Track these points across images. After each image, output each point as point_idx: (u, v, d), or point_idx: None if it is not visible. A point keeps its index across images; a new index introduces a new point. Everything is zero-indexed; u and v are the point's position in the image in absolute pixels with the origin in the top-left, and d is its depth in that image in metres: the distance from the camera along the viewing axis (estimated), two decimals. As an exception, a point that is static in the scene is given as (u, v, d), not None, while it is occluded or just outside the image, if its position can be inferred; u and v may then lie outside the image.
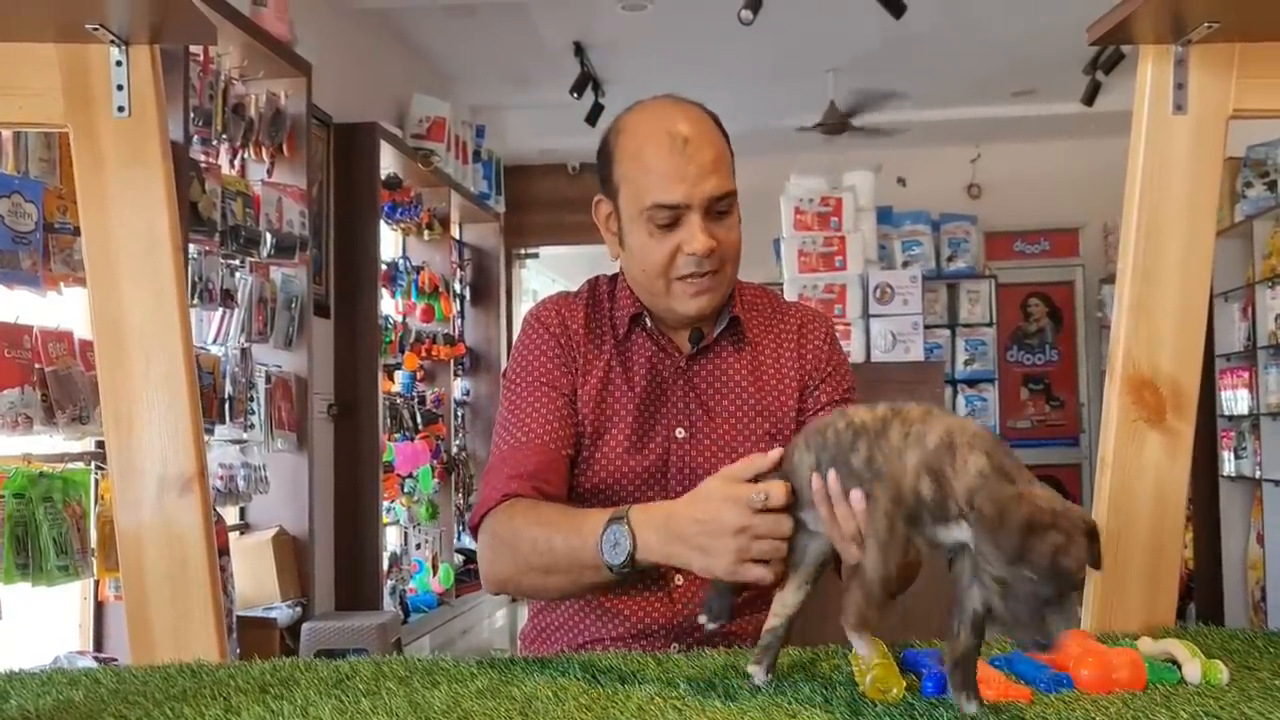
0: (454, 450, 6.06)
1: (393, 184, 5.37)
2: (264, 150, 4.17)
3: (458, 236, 6.56)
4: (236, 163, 4.10)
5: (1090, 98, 6.28)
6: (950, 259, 7.18)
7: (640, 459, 1.69)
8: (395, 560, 5.40)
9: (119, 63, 1.54)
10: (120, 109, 1.55)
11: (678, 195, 1.62)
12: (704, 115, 1.69)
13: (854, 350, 4.34)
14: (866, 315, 4.39)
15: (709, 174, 1.62)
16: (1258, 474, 5.71)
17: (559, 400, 1.70)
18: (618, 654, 1.51)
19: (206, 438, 3.76)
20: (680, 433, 1.70)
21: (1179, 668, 1.33)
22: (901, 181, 7.43)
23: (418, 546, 5.62)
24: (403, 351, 5.50)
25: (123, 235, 1.61)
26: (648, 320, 1.74)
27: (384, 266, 5.23)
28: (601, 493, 1.69)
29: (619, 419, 1.70)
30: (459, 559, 6.00)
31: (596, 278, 1.83)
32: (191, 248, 3.59)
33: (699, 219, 1.62)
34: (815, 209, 4.44)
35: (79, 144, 1.59)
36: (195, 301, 3.63)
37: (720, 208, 1.65)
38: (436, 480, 5.72)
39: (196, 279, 3.63)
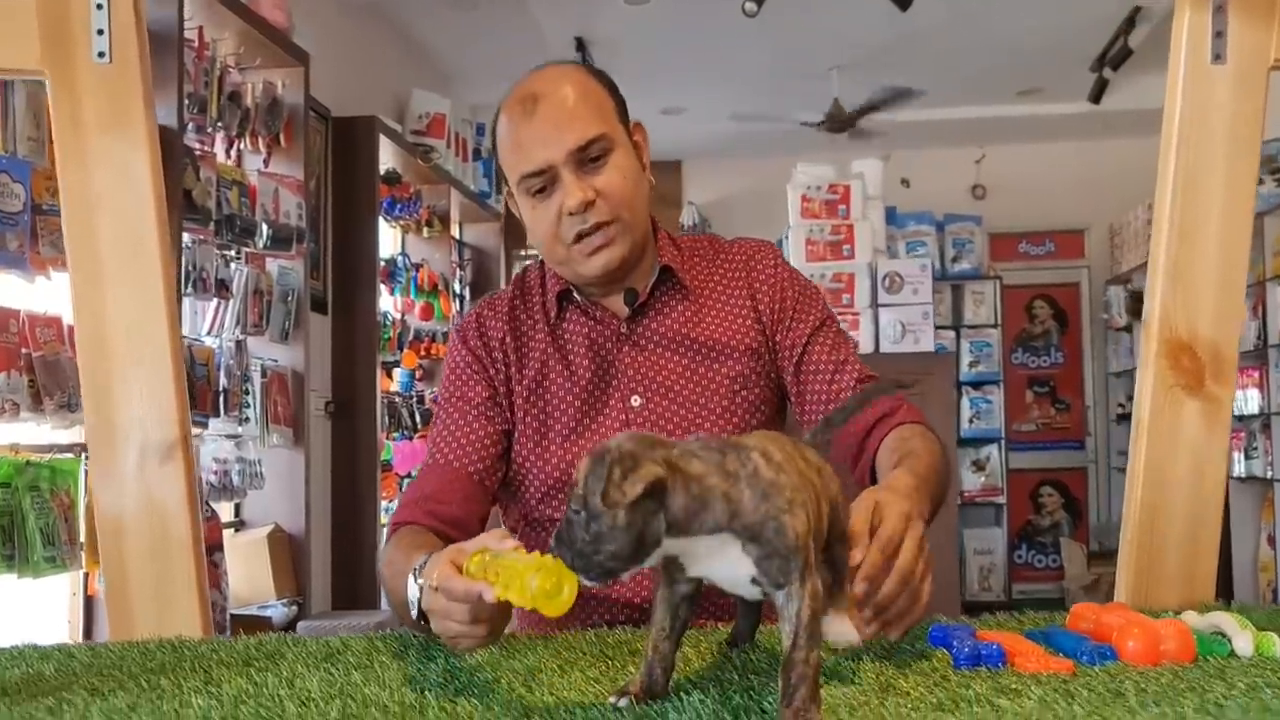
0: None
1: (392, 179, 5.29)
2: (260, 140, 4.09)
3: (458, 236, 6.48)
4: (233, 152, 4.02)
5: (1097, 95, 6.21)
6: (955, 260, 7.09)
7: (593, 438, 1.61)
8: (393, 561, 5.29)
9: (99, 5, 1.46)
10: (100, 54, 1.47)
11: (538, 159, 1.54)
12: (564, 70, 1.60)
13: (862, 341, 4.25)
14: (875, 305, 4.29)
15: (566, 126, 1.53)
16: (1269, 474, 5.62)
17: (470, 415, 1.63)
18: (627, 630, 1.42)
19: (199, 431, 3.69)
20: (636, 400, 1.62)
21: (1229, 640, 1.24)
22: (905, 182, 7.35)
23: (416, 548, 5.52)
24: (401, 349, 5.42)
25: (104, 191, 1.53)
26: (576, 295, 1.66)
27: (383, 263, 5.15)
28: (566, 483, 1.61)
29: (561, 407, 1.63)
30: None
31: (527, 266, 1.76)
32: (186, 236, 3.52)
33: (570, 175, 1.54)
34: (823, 196, 4.35)
35: (57, 95, 1.51)
36: (189, 291, 3.55)
37: (592, 154, 1.55)
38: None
39: (190, 268, 3.55)
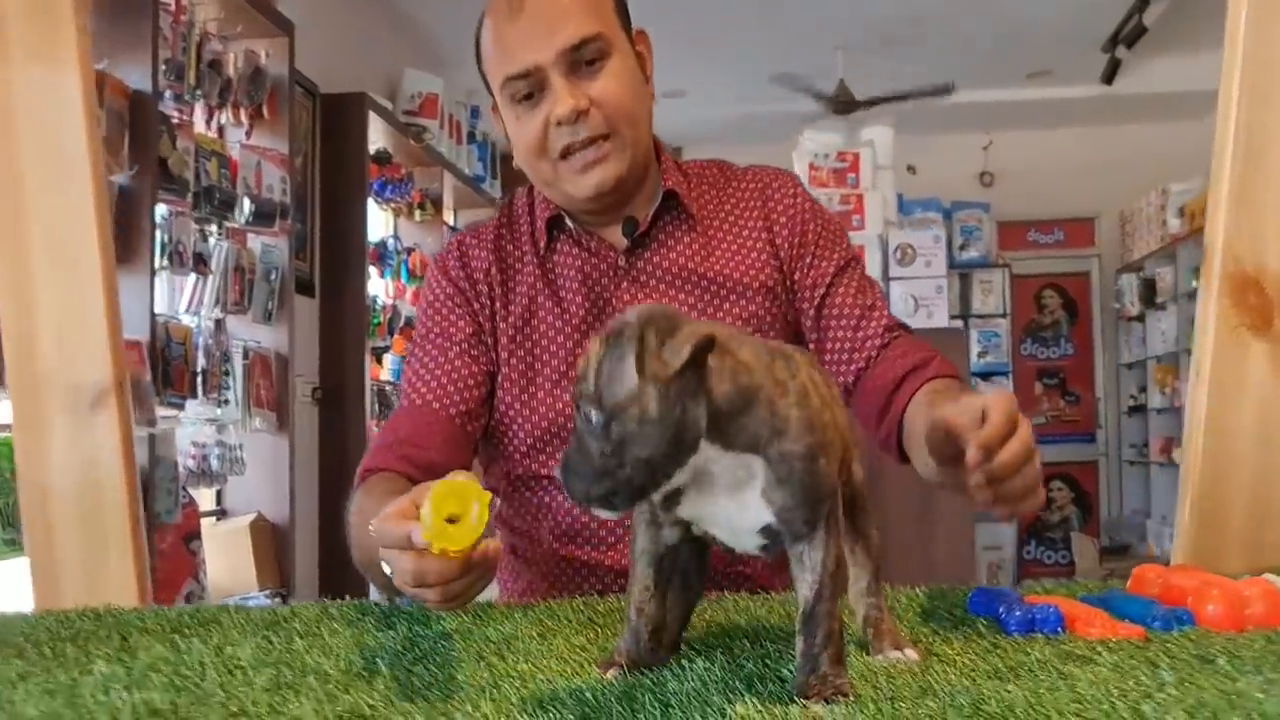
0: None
1: (382, 159, 5.12)
2: (242, 112, 3.91)
3: (451, 221, 6.30)
4: (213, 123, 3.84)
5: (1110, 76, 6.03)
6: (962, 248, 6.90)
7: None
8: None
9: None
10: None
11: (524, 60, 1.35)
12: None
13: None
14: (886, 278, 4.11)
15: (557, 24, 1.35)
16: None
17: (452, 352, 1.44)
18: (618, 597, 1.24)
19: (177, 413, 3.51)
20: None
21: (1320, 603, 1.06)
22: (911, 169, 7.17)
23: (408, 541, 5.34)
24: (392, 335, 5.23)
25: (27, 114, 1.35)
26: (569, 222, 1.47)
27: (373, 246, 4.97)
28: (557, 435, 1.42)
29: (550, 349, 1.44)
30: (452, 556, 5.71)
31: (514, 193, 1.57)
32: (163, 208, 3.34)
33: (560, 79, 1.35)
34: (831, 164, 4.17)
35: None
36: (165, 264, 3.37)
37: (586, 56, 1.36)
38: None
39: (166, 241, 3.37)
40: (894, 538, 3.73)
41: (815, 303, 1.47)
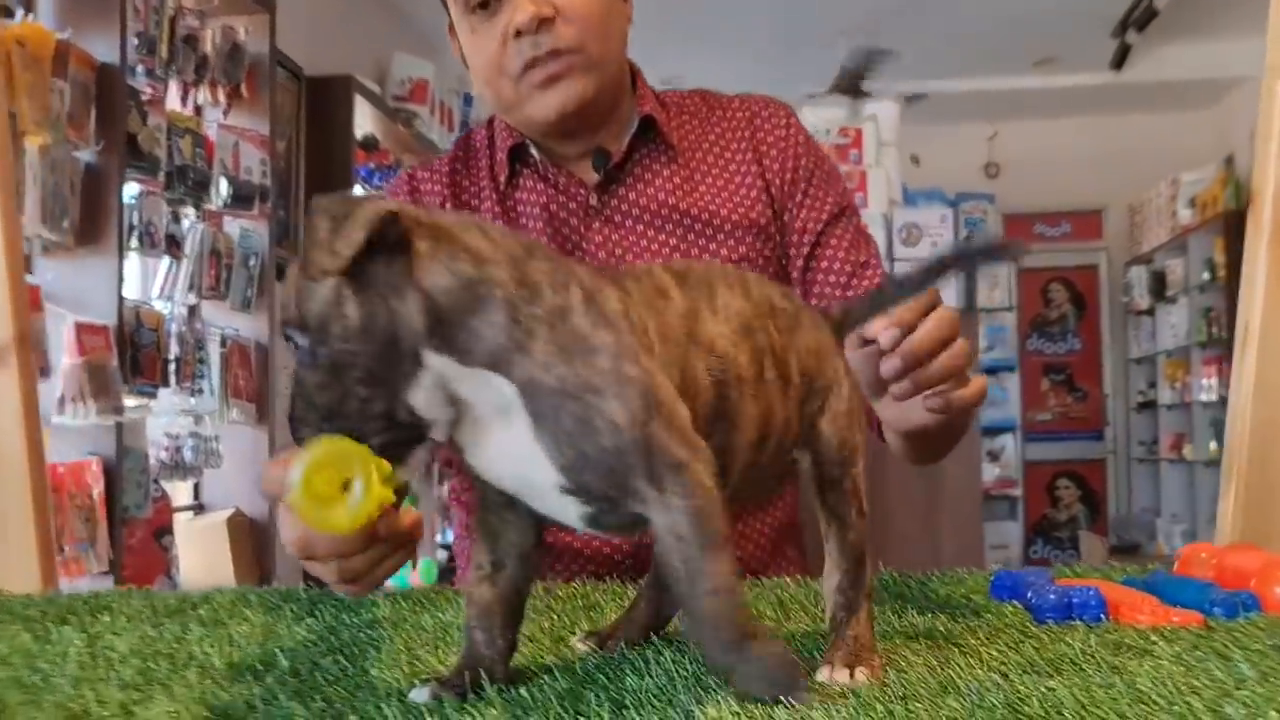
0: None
1: (369, 144, 4.96)
2: (220, 90, 3.75)
3: (443, 212, 6.15)
4: (189, 102, 3.69)
5: (1119, 61, 5.86)
6: (967, 239, 6.73)
7: None
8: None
9: None
10: None
11: None
12: None
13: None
14: (891, 259, 3.94)
15: None
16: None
17: None
18: (584, 582, 1.08)
19: (148, 401, 3.35)
20: None
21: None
22: (915, 160, 7.00)
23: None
24: (380, 327, 5.07)
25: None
26: (534, 152, 1.31)
27: (360, 234, 4.81)
28: None
29: None
30: (442, 554, 5.55)
31: (471, 128, 1.42)
32: (132, 186, 3.19)
33: None
34: (833, 140, 4.00)
35: None
36: (135, 246, 3.22)
37: None
38: (418, 468, 5.28)
39: (135, 222, 3.22)
40: (898, 536, 3.56)
41: (804, 252, 1.32)
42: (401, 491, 0.71)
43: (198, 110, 3.72)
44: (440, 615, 0.91)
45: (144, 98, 3.24)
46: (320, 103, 4.59)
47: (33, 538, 1.15)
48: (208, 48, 3.66)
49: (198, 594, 1.02)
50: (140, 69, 3.30)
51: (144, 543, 3.25)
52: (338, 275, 0.60)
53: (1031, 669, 0.70)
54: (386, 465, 0.63)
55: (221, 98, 3.79)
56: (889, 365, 0.90)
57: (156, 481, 3.36)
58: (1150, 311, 7.13)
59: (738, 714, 0.59)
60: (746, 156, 1.33)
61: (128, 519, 3.09)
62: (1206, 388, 6.29)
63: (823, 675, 0.70)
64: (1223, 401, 6.04)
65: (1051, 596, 0.88)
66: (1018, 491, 6.96)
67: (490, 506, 0.70)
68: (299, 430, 0.64)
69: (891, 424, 1.13)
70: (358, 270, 0.61)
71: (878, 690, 0.65)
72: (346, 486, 0.63)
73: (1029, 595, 0.91)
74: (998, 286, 6.78)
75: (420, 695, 0.66)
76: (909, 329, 0.89)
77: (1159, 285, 6.93)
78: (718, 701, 0.61)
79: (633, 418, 0.62)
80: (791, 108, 1.39)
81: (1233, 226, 5.86)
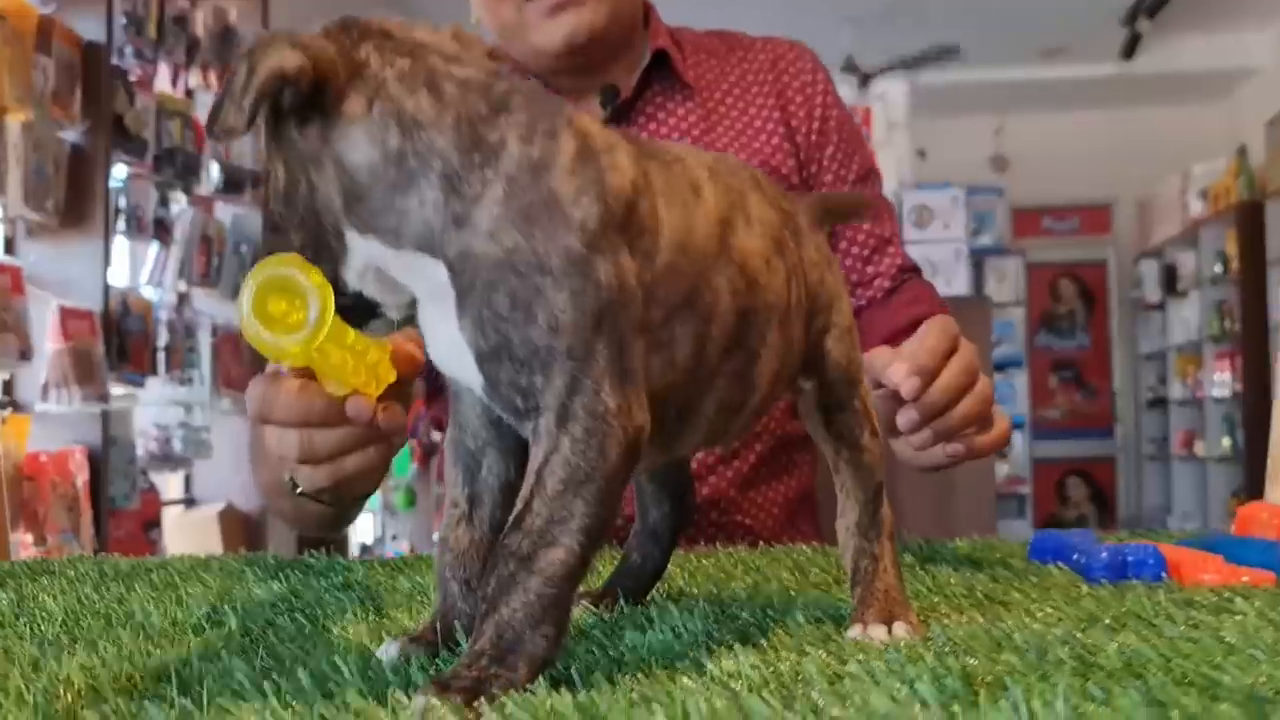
0: (435, 434, 5.53)
1: (366, 134, 4.87)
2: (211, 73, 3.67)
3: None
4: (181, 84, 3.60)
5: (1130, 50, 5.76)
6: (975, 234, 6.63)
7: None
8: (368, 551, 4.87)
9: None
10: None
11: None
12: None
13: (886, 286, 3.79)
14: (902, 241, 3.84)
15: None
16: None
17: None
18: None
19: (135, 390, 3.26)
20: None
21: None
22: (921, 153, 6.90)
23: (394, 537, 5.09)
24: (378, 319, 4.99)
25: None
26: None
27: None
28: None
29: None
30: (442, 553, 5.46)
31: None
32: (119, 169, 3.10)
33: None
34: (840, 119, 3.91)
35: None
36: (123, 229, 3.13)
37: None
38: (415, 464, 5.19)
39: (122, 205, 3.13)
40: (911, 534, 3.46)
41: None
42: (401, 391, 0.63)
43: (189, 93, 3.64)
44: (420, 579, 0.82)
45: (132, 78, 3.15)
46: (316, 90, 4.51)
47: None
48: (198, 29, 3.58)
49: (153, 560, 0.93)
50: (129, 49, 3.21)
51: (132, 535, 3.16)
52: (243, 134, 0.50)
53: (1093, 623, 0.61)
54: (328, 288, 0.55)
55: (214, 81, 3.70)
56: (907, 418, 0.86)
57: (145, 473, 3.27)
58: (1161, 306, 7.03)
59: (757, 666, 0.49)
60: (769, 101, 1.24)
61: (114, 510, 3.00)
62: (1219, 383, 6.19)
63: (854, 633, 0.60)
64: (1236, 397, 5.94)
65: (1104, 555, 0.78)
66: (1026, 489, 6.86)
67: (466, 426, 0.59)
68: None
69: (907, 463, 1.05)
70: (277, 130, 0.52)
71: (921, 644, 0.55)
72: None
73: (1075, 556, 0.82)
74: (1005, 282, 6.68)
75: (389, 652, 0.56)
76: (930, 377, 0.85)
77: (1170, 279, 6.82)
78: (734, 655, 0.51)
79: (576, 323, 0.50)
80: (816, 54, 1.30)
81: (1246, 218, 5.76)
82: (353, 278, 0.54)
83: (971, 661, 0.51)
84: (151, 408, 3.41)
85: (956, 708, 0.41)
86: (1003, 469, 6.71)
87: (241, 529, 3.76)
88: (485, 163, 0.51)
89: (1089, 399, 7.37)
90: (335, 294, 0.54)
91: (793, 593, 0.72)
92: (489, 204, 0.51)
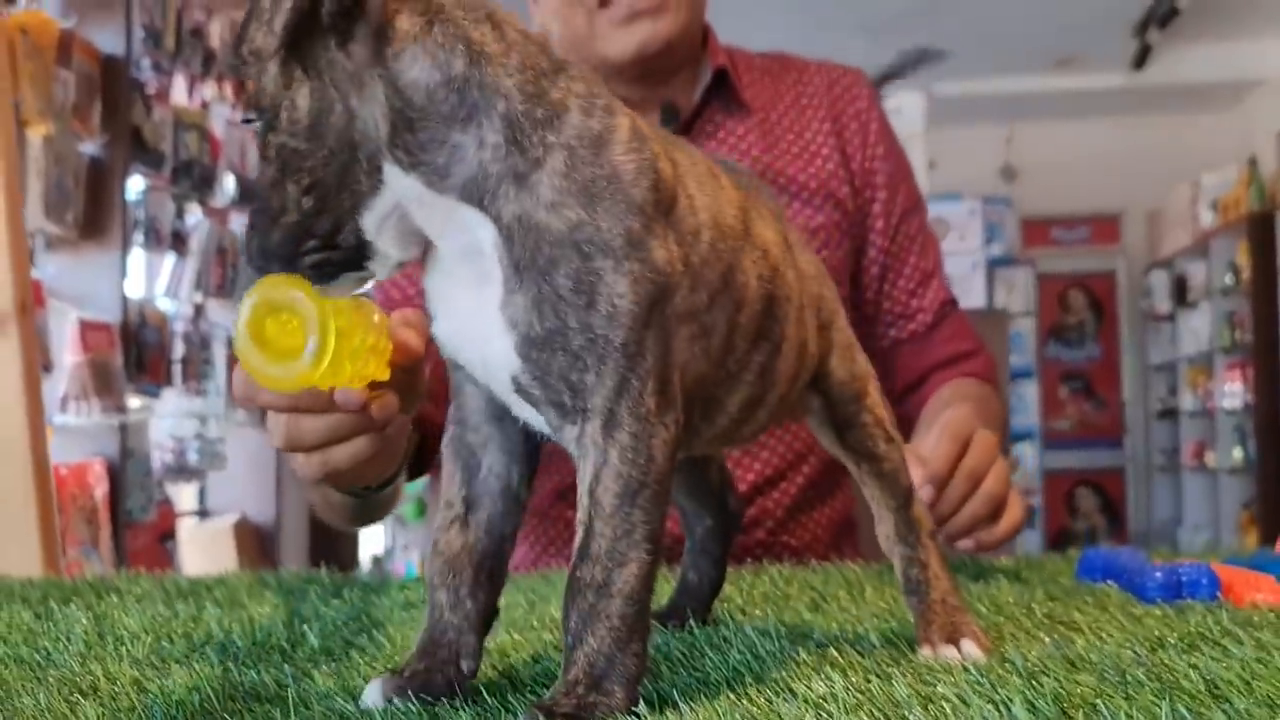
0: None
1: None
2: (227, 85, 3.69)
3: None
4: (197, 96, 3.62)
5: (1140, 61, 5.77)
6: (985, 244, 6.63)
7: None
8: (379, 562, 4.87)
9: None
10: None
11: None
12: None
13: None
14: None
15: None
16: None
17: None
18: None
19: (150, 402, 3.27)
20: None
21: None
22: (931, 164, 6.90)
23: (404, 547, 5.10)
24: (390, 330, 5.00)
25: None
26: None
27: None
28: None
29: None
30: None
31: None
32: (137, 181, 3.12)
33: None
34: (856, 132, 3.91)
35: None
36: (140, 241, 3.14)
37: None
38: (426, 474, 5.19)
39: (139, 217, 3.14)
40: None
41: (884, 245, 1.26)
42: (405, 380, 0.61)
43: (204, 105, 3.66)
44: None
45: (149, 91, 3.17)
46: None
47: (33, 517, 1.06)
48: (215, 41, 3.60)
49: (211, 578, 0.94)
50: (146, 62, 3.23)
51: (148, 547, 3.17)
52: (276, 57, 0.48)
53: (1162, 645, 0.61)
54: (375, 335, 0.54)
55: (230, 94, 3.72)
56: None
57: (160, 485, 3.28)
58: (1171, 317, 7.03)
59: (848, 689, 0.50)
60: (825, 126, 1.26)
61: (131, 523, 3.01)
62: (1230, 394, 6.19)
63: (925, 653, 0.61)
64: (1247, 408, 5.94)
65: (1159, 575, 0.79)
66: (1037, 501, 6.85)
67: (467, 420, 0.56)
68: (249, 244, 0.53)
69: None
70: (309, 50, 0.48)
71: (999, 664, 0.56)
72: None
73: (1126, 575, 0.83)
74: (1015, 292, 6.69)
75: (372, 697, 0.52)
76: (943, 485, 0.92)
77: (1180, 290, 6.83)
78: (826, 677, 0.52)
79: (632, 313, 0.49)
80: (869, 80, 1.31)
81: (1256, 229, 5.76)
82: (371, 224, 0.51)
83: (1048, 681, 0.52)
84: (167, 419, 3.42)
85: (1058, 732, 0.42)
86: (1013, 480, 6.71)
87: (256, 541, 3.77)
88: (547, 123, 0.49)
89: (1099, 410, 7.37)
90: (333, 245, 0.51)
91: (854, 611, 0.72)
92: (551, 173, 0.49)
